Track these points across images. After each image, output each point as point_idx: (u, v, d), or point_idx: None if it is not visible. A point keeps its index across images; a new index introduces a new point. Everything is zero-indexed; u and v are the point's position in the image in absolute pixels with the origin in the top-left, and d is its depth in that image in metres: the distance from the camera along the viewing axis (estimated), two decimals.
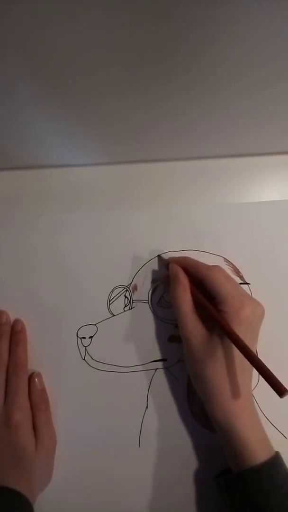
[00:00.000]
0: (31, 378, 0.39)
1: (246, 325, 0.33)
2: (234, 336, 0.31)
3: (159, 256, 0.41)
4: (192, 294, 0.36)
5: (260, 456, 0.32)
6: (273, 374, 0.28)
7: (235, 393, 0.33)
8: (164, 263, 0.41)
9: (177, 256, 0.41)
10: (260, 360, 0.30)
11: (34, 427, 0.37)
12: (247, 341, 0.31)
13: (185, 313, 0.35)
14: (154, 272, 0.41)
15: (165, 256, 0.41)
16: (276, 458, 0.32)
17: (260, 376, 0.29)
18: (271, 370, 0.29)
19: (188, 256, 0.39)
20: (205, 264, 0.37)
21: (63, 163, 0.44)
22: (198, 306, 0.36)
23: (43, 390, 0.39)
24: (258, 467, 0.31)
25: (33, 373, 0.39)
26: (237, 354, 0.32)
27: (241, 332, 0.32)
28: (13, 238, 0.42)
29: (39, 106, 0.34)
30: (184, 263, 0.38)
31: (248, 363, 0.30)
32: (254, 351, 0.33)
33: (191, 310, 0.35)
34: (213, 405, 0.33)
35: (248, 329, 0.33)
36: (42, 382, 0.39)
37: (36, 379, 0.39)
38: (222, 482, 0.34)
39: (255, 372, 0.32)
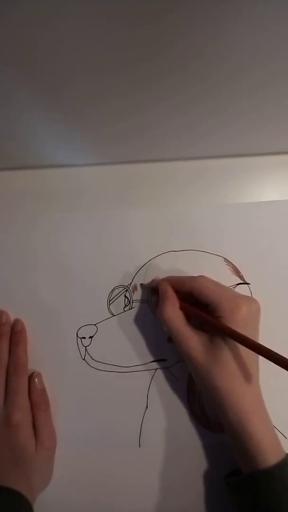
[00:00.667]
0: (31, 378, 0.39)
1: (244, 324, 0.33)
2: (235, 332, 0.31)
3: (141, 284, 0.41)
4: (183, 309, 0.36)
5: (272, 457, 0.32)
6: (283, 357, 0.28)
7: (246, 392, 0.33)
8: (148, 288, 0.41)
9: (161, 277, 0.40)
10: (266, 348, 0.30)
11: (34, 427, 0.37)
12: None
13: (178, 329, 0.34)
14: (154, 272, 0.41)
15: (147, 280, 0.41)
16: (287, 460, 0.32)
17: (260, 376, 0.29)
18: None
19: (171, 275, 0.39)
20: (188, 277, 0.37)
21: (63, 163, 0.44)
22: (192, 319, 0.35)
23: (43, 390, 0.39)
24: (271, 468, 0.31)
25: (33, 373, 0.39)
26: (242, 353, 0.33)
27: (242, 331, 0.32)
28: (13, 238, 0.42)
29: (39, 106, 0.34)
30: (168, 281, 0.37)
31: (254, 360, 0.31)
32: None
33: (183, 325, 0.35)
34: (225, 408, 0.33)
35: (247, 327, 0.33)
36: (42, 382, 0.39)
37: (36, 379, 0.39)
38: (232, 483, 0.34)
39: None
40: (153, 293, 0.40)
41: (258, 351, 0.30)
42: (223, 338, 0.33)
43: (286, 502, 0.31)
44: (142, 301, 0.41)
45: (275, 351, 0.35)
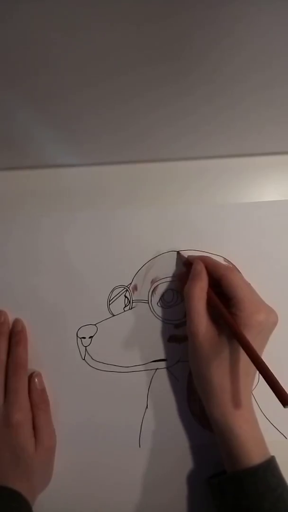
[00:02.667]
0: (30, 378, 0.39)
1: (258, 331, 0.33)
2: (244, 339, 0.31)
3: (178, 252, 0.41)
4: (208, 294, 0.36)
5: (256, 457, 0.32)
6: (278, 383, 0.28)
7: (236, 395, 0.33)
8: (183, 260, 0.41)
9: (195, 254, 0.41)
10: (267, 367, 0.29)
11: (34, 427, 0.37)
12: (255, 346, 0.31)
13: (198, 311, 0.35)
14: (154, 272, 0.41)
15: (184, 254, 0.41)
16: (271, 461, 0.32)
17: (260, 376, 0.29)
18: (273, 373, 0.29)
19: (208, 256, 0.39)
20: (224, 264, 0.37)
21: (65, 164, 0.44)
22: (210, 306, 0.36)
23: (43, 390, 0.39)
24: (254, 468, 0.31)
25: (32, 373, 0.39)
26: (243, 358, 0.33)
27: (251, 337, 0.32)
28: (14, 238, 0.42)
29: (40, 107, 0.34)
30: (204, 262, 0.37)
31: (253, 367, 0.30)
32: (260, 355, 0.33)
33: (204, 309, 0.35)
34: (213, 404, 0.33)
35: (259, 335, 0.33)
36: (42, 382, 0.39)
37: (36, 379, 0.39)
38: (215, 483, 0.34)
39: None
40: (184, 265, 0.40)
41: (256, 365, 0.30)
42: (230, 337, 0.33)
43: (268, 503, 0.30)
44: (142, 301, 0.41)
45: (275, 352, 0.35)
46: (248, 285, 0.36)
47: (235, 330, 0.32)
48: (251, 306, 0.33)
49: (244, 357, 0.32)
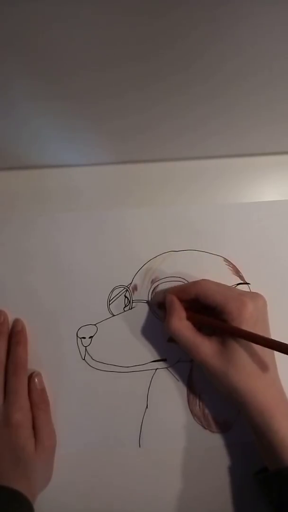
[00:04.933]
0: (30, 378, 0.39)
1: (253, 320, 0.33)
2: (246, 333, 0.31)
3: (147, 301, 0.41)
4: (191, 318, 0.36)
5: None
6: None
7: (266, 389, 0.33)
8: (156, 302, 0.40)
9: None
10: (279, 342, 0.30)
11: (34, 427, 0.37)
12: (260, 333, 0.31)
13: (187, 340, 0.34)
14: (154, 272, 0.41)
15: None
16: None
17: None
18: None
19: (175, 286, 0.39)
20: (191, 283, 0.37)
21: (63, 163, 0.44)
22: (201, 327, 0.36)
23: (43, 389, 0.39)
24: None
25: (32, 373, 0.39)
26: (256, 350, 0.33)
27: (252, 328, 0.32)
28: (12, 238, 0.42)
29: (39, 106, 0.34)
30: (172, 292, 0.37)
31: (271, 355, 0.31)
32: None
33: (192, 334, 0.35)
34: (248, 407, 0.33)
35: (256, 323, 0.33)
36: (42, 382, 0.39)
37: (36, 379, 0.39)
38: (261, 479, 0.35)
39: None
40: (160, 308, 0.39)
41: (270, 346, 0.30)
42: (235, 339, 0.33)
43: None
44: (142, 301, 0.41)
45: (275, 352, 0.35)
46: (221, 285, 0.36)
47: (232, 329, 0.32)
48: (235, 303, 0.33)
49: (257, 350, 0.32)
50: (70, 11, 0.24)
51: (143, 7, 0.24)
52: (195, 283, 0.36)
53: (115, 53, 0.28)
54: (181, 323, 0.35)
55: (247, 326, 0.32)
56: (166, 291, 0.39)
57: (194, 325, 0.36)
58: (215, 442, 0.39)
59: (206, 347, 0.34)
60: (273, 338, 0.33)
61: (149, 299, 0.41)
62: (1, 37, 0.26)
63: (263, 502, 0.37)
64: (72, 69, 0.29)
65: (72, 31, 0.26)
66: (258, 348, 0.33)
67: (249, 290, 0.41)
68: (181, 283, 0.41)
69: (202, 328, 0.36)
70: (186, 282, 0.41)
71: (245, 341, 0.32)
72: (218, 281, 0.36)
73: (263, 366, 0.33)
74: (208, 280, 0.36)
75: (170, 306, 0.36)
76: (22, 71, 0.29)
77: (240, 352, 0.33)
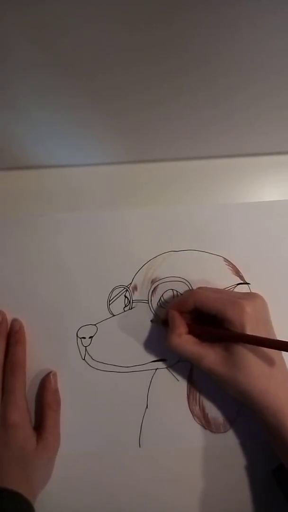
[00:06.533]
0: (47, 377, 0.39)
1: (255, 322, 0.33)
2: (250, 337, 0.31)
3: (151, 321, 0.40)
4: (193, 331, 0.36)
5: None
6: None
7: (278, 389, 0.33)
8: (160, 321, 0.40)
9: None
10: (284, 342, 0.30)
11: (42, 426, 0.37)
12: (263, 334, 0.31)
13: (190, 353, 0.34)
14: (154, 272, 0.41)
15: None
16: None
17: None
18: None
19: (175, 300, 0.39)
20: (188, 293, 0.36)
21: (63, 163, 0.44)
22: (206, 337, 0.36)
23: (57, 390, 0.39)
24: None
25: (50, 372, 0.39)
26: (263, 352, 0.33)
27: (255, 331, 0.32)
28: (13, 238, 0.42)
29: (40, 105, 0.33)
30: (173, 308, 0.37)
31: (278, 355, 0.31)
32: (275, 338, 0.34)
33: (195, 346, 0.35)
34: (261, 409, 0.33)
35: (258, 324, 0.33)
36: (57, 382, 0.39)
37: (52, 379, 0.39)
38: (281, 477, 0.35)
39: None
40: (165, 325, 0.39)
41: (276, 346, 0.30)
42: (239, 344, 0.33)
43: None
44: (142, 301, 0.41)
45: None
46: (217, 291, 0.36)
47: (235, 336, 0.32)
48: (233, 308, 0.33)
49: (263, 351, 0.32)
50: (85, 14, 0.24)
51: (153, 13, 0.24)
52: (192, 293, 0.36)
53: (118, 57, 0.28)
54: (180, 339, 0.35)
55: (249, 329, 0.32)
56: (168, 307, 0.39)
57: (198, 336, 0.36)
58: (215, 442, 0.39)
59: (210, 357, 0.34)
60: (277, 338, 0.33)
61: (149, 299, 0.41)
62: (13, 31, 0.25)
63: (263, 500, 0.37)
64: (76, 71, 0.29)
65: (83, 33, 0.26)
66: (263, 348, 0.32)
67: (249, 290, 0.41)
68: (181, 283, 0.41)
69: (207, 336, 0.35)
70: (186, 282, 0.41)
71: (250, 345, 0.32)
72: (218, 282, 0.36)
73: (271, 366, 0.33)
74: (204, 288, 0.36)
75: (170, 323, 0.37)
76: (25, 73, 0.29)
77: (246, 356, 0.32)
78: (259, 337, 0.31)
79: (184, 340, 0.35)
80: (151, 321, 0.40)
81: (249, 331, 0.32)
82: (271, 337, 0.34)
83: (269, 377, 0.33)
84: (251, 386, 0.32)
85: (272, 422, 0.33)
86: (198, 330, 0.36)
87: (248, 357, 0.32)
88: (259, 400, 0.32)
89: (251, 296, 0.35)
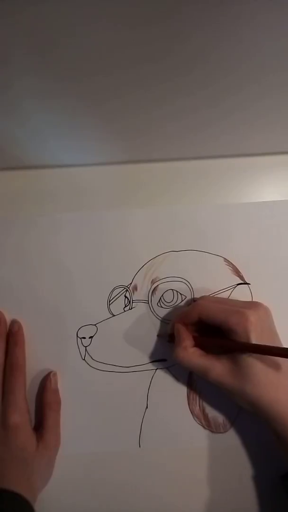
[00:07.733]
0: (47, 377, 0.39)
1: (259, 331, 0.32)
2: (255, 347, 0.31)
3: (158, 335, 0.40)
4: (200, 343, 0.36)
5: None
6: None
7: (287, 399, 0.32)
8: (167, 335, 0.40)
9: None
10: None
11: (42, 426, 0.37)
12: (268, 342, 0.31)
13: (197, 365, 0.34)
14: (154, 272, 0.41)
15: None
16: None
17: None
18: None
19: (180, 312, 0.38)
20: (192, 305, 0.36)
21: (63, 163, 0.44)
22: (212, 348, 0.35)
23: (57, 390, 0.39)
24: None
25: (50, 372, 0.39)
26: (270, 361, 0.32)
27: (260, 339, 0.32)
28: (13, 238, 0.42)
29: (40, 106, 0.33)
30: (178, 320, 0.37)
31: (285, 362, 0.31)
32: (281, 345, 0.34)
33: (201, 358, 0.34)
34: (271, 419, 0.32)
35: (263, 333, 0.33)
36: (57, 382, 0.39)
37: (52, 379, 0.39)
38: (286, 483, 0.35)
39: None
40: (171, 341, 0.39)
41: (283, 354, 0.30)
42: (245, 354, 0.32)
43: None
44: (142, 301, 0.41)
45: None
46: (219, 301, 0.35)
47: (245, 347, 0.32)
48: (236, 318, 0.33)
49: (271, 360, 0.32)
50: (82, 15, 0.24)
51: (151, 13, 0.24)
52: (195, 305, 0.36)
53: (118, 56, 0.28)
54: (186, 352, 0.35)
55: (254, 338, 0.32)
56: (173, 320, 0.39)
57: (204, 348, 0.35)
58: (215, 442, 0.39)
59: (217, 369, 0.33)
60: (282, 346, 0.32)
61: (149, 299, 0.41)
62: (11, 33, 0.25)
63: (263, 500, 0.37)
64: (76, 71, 0.29)
65: (82, 33, 0.26)
66: (270, 357, 0.32)
67: (249, 290, 0.41)
68: (181, 283, 0.41)
69: (213, 348, 0.35)
70: (186, 282, 0.41)
71: (256, 355, 0.32)
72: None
73: (279, 375, 0.32)
74: (207, 298, 0.36)
75: (176, 336, 0.36)
76: (27, 72, 0.29)
77: (253, 366, 0.32)
78: (265, 345, 0.31)
79: (190, 353, 0.35)
80: (157, 335, 0.40)
81: (254, 340, 0.32)
82: (277, 345, 0.34)
83: (278, 386, 0.32)
84: (260, 396, 0.32)
85: (281, 431, 0.32)
86: (204, 342, 0.36)
87: (255, 367, 0.32)
88: (269, 410, 0.32)
89: (254, 305, 0.35)
